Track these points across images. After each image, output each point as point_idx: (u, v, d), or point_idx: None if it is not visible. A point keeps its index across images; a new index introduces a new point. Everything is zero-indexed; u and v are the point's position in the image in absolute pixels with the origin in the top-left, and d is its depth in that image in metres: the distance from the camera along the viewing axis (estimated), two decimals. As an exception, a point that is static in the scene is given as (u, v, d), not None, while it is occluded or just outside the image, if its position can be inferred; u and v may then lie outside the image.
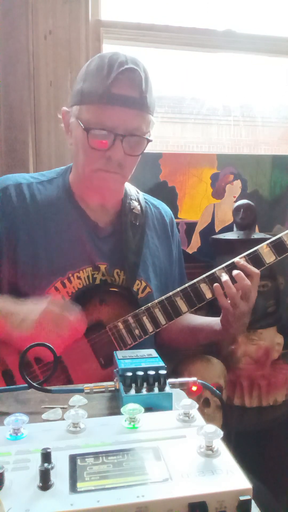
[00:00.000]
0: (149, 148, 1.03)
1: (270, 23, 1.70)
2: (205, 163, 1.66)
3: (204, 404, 1.12)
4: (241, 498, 0.43)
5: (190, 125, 1.69)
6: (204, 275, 1.03)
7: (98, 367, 1.01)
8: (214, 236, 1.59)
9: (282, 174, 1.71)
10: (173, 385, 0.68)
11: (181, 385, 0.69)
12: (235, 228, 1.57)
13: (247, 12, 1.67)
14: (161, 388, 0.65)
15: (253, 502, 0.44)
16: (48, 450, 0.46)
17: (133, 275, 1.08)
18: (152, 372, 0.66)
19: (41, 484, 0.44)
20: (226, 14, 1.65)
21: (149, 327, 1.02)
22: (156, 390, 0.65)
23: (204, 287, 1.02)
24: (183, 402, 0.57)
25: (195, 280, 1.03)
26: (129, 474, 0.46)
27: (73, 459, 0.48)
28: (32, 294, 0.99)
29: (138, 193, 1.20)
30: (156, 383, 0.65)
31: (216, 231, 1.68)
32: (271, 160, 1.71)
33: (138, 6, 1.59)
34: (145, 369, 0.66)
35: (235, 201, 1.63)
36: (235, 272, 1.00)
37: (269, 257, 1.03)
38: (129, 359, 0.71)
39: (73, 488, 0.44)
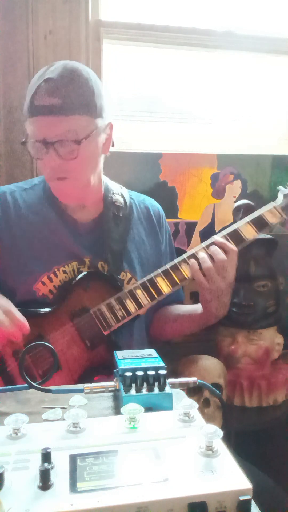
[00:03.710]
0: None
1: (270, 23, 1.70)
2: (205, 163, 1.66)
3: (204, 404, 1.12)
4: (241, 498, 0.43)
5: (190, 125, 1.69)
6: (184, 255, 1.07)
7: (84, 350, 1.05)
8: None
9: (282, 174, 1.71)
10: (173, 385, 0.68)
11: (181, 385, 0.69)
12: (235, 228, 1.57)
13: (247, 12, 1.66)
14: (161, 388, 0.65)
15: (253, 502, 0.44)
16: (48, 450, 0.46)
17: (117, 265, 1.11)
18: (152, 372, 0.66)
19: (41, 484, 0.44)
20: (226, 14, 1.65)
21: (132, 308, 1.05)
22: (156, 390, 0.65)
23: (184, 266, 1.07)
24: (183, 402, 0.57)
25: (175, 260, 1.07)
26: (129, 474, 0.46)
27: (73, 459, 0.48)
28: (20, 289, 1.07)
29: (121, 188, 1.23)
30: (156, 383, 0.66)
31: (216, 231, 1.68)
32: (271, 160, 1.71)
33: (138, 6, 1.58)
34: (145, 369, 0.66)
35: (235, 201, 1.63)
36: (212, 248, 1.05)
37: (249, 233, 1.07)
38: (129, 359, 0.71)
39: (73, 488, 0.44)
